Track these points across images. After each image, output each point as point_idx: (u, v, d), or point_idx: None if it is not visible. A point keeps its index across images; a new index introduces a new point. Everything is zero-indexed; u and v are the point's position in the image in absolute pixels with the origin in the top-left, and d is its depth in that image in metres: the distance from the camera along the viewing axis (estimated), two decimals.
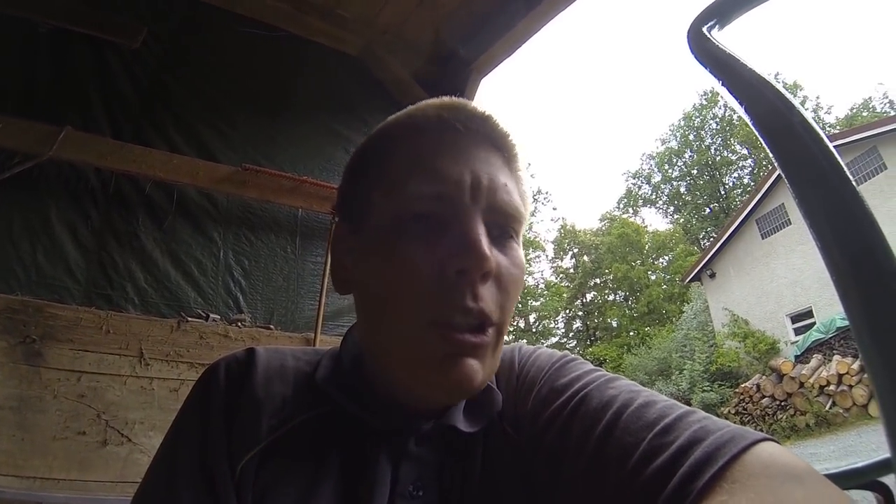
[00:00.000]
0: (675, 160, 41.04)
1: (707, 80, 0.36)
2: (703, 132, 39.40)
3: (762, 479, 0.40)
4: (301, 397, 0.63)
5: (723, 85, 0.32)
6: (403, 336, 0.56)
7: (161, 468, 0.62)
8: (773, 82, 0.29)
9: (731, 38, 0.45)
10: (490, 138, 0.62)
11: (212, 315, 2.54)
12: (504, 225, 0.60)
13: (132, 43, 2.59)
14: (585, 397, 0.57)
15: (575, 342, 36.87)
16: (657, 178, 42.28)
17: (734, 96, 0.30)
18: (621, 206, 43.58)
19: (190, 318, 2.47)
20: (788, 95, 0.26)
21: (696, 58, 0.39)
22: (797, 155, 0.24)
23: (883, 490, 0.90)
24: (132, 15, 2.65)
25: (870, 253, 0.20)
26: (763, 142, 0.26)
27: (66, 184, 2.37)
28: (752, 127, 0.27)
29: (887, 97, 35.98)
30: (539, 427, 0.60)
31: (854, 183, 0.23)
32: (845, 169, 0.23)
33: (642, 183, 43.08)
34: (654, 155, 42.41)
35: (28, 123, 2.24)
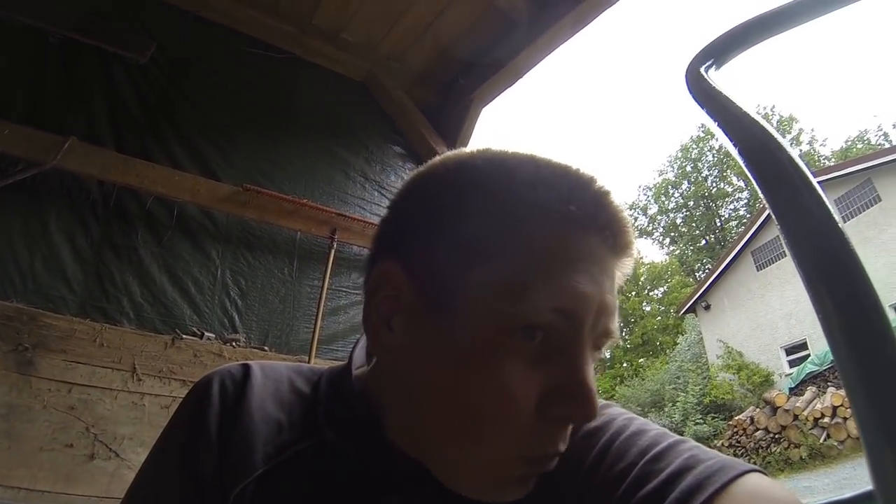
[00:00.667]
0: (671, 192, 41.26)
1: (704, 118, 0.38)
2: (700, 164, 39.70)
3: None
4: (298, 423, 0.60)
5: (718, 125, 0.34)
6: (478, 463, 0.50)
7: (147, 485, 0.60)
8: (766, 125, 0.31)
9: (728, 74, 0.47)
10: (620, 250, 0.53)
11: (207, 333, 2.54)
12: (601, 346, 0.53)
13: (141, 57, 2.65)
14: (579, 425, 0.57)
15: None
16: (653, 209, 42.48)
17: (728, 137, 0.32)
18: None
19: (185, 336, 2.47)
20: (780, 138, 0.28)
21: (693, 98, 0.40)
22: (784, 192, 0.25)
23: None
24: (141, 30, 2.71)
25: (849, 286, 0.22)
26: (756, 184, 0.27)
27: (68, 194, 2.38)
28: (745, 170, 0.28)
29: (882, 129, 36.33)
30: None
31: (836, 216, 0.25)
32: (829, 204, 0.25)
33: (638, 214, 43.17)
34: (651, 186, 42.69)
35: (33, 131, 2.27)
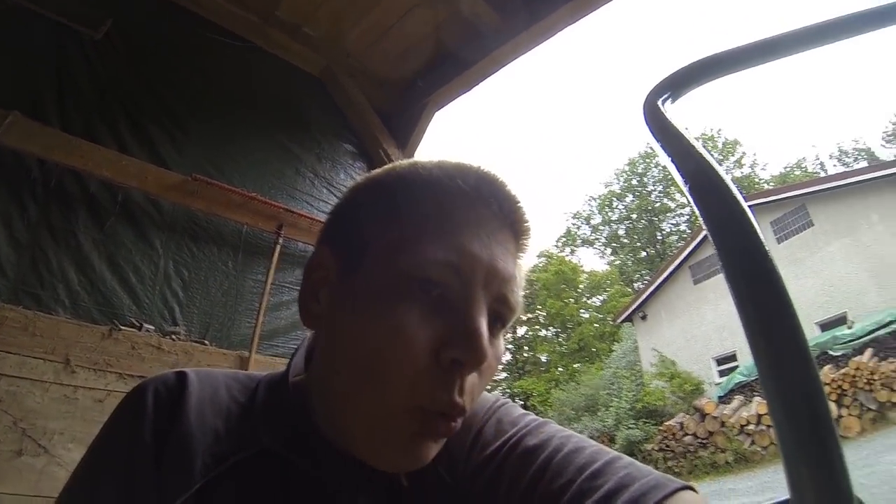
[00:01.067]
0: (615, 203, 42.25)
1: (657, 149, 0.41)
2: (645, 178, 40.86)
3: None
4: (235, 433, 0.59)
5: (670, 159, 0.37)
6: (379, 412, 0.53)
7: (79, 499, 0.58)
8: (713, 161, 0.34)
9: (682, 103, 0.50)
10: (514, 227, 0.61)
11: (146, 325, 2.45)
12: (503, 318, 0.58)
13: (95, 33, 2.53)
14: (518, 442, 0.59)
15: (504, 375, 36.76)
16: (597, 219, 43.41)
17: (678, 170, 0.35)
18: (560, 244, 43.97)
19: (123, 327, 2.38)
20: (724, 175, 0.32)
21: (649, 129, 0.43)
22: (726, 228, 0.29)
23: None
24: (97, 4, 2.58)
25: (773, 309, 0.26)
26: (700, 215, 0.31)
27: (5, 171, 2.25)
28: (691, 202, 0.32)
29: (819, 159, 38.73)
30: (472, 471, 0.60)
31: (769, 251, 0.29)
32: (763, 239, 0.29)
33: (582, 223, 44.06)
34: (597, 197, 43.64)
35: None
